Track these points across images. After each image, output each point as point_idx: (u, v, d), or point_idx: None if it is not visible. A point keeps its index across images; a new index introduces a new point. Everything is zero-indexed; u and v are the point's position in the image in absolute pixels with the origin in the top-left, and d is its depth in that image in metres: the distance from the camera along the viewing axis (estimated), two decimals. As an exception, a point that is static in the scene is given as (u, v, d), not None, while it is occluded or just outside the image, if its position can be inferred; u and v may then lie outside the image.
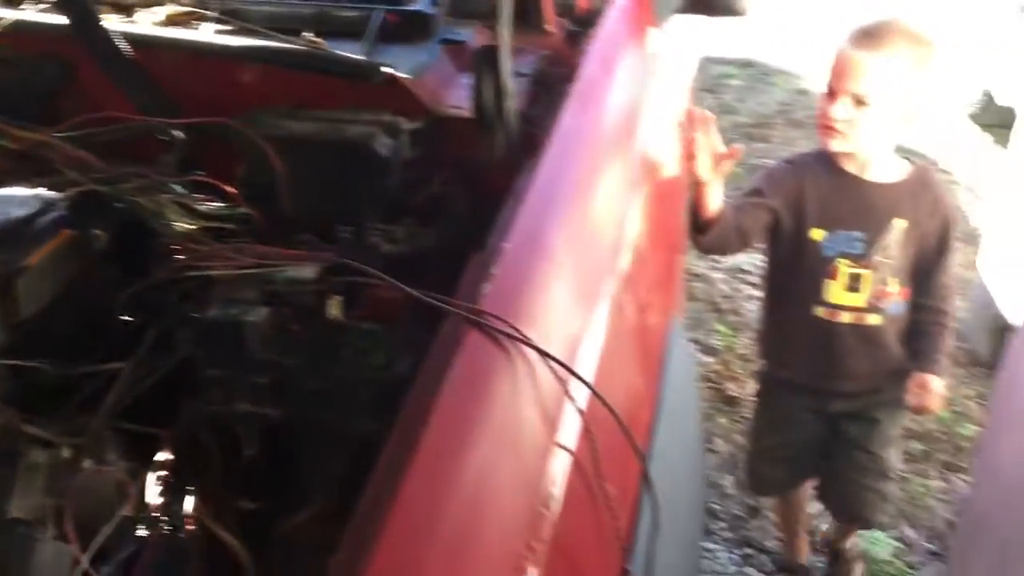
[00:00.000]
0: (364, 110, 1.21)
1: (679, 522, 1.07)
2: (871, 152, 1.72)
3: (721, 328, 3.20)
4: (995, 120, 4.01)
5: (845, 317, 1.81)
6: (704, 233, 1.65)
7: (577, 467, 0.81)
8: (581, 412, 0.82)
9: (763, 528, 2.47)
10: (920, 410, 1.82)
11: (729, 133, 4.44)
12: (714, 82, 4.95)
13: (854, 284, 1.78)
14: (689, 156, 1.54)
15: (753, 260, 3.58)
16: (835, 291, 1.80)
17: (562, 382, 0.82)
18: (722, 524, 2.50)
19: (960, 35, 4.51)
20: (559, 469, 0.80)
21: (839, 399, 1.94)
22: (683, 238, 1.60)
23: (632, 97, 1.29)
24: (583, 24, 1.32)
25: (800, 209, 1.77)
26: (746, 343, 3.13)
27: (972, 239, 3.57)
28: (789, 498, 2.28)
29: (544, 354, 0.80)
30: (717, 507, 2.53)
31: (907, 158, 1.82)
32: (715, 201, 1.64)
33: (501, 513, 0.73)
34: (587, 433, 0.82)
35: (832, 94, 1.65)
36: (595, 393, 0.83)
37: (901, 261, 1.78)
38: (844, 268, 1.78)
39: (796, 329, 1.89)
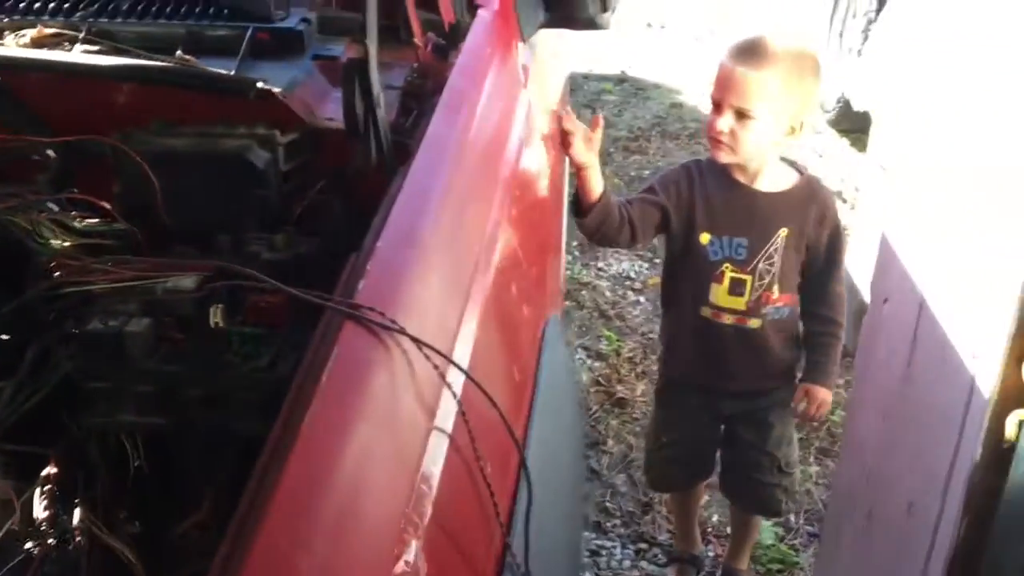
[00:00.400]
0: (239, 124, 1.24)
1: (559, 503, 1.13)
2: (759, 162, 1.80)
3: (608, 334, 3.30)
4: (853, 125, 4.25)
5: (728, 319, 1.89)
6: (586, 216, 1.72)
7: (455, 448, 0.86)
8: (457, 397, 0.86)
9: (655, 523, 2.56)
10: (806, 419, 1.93)
11: (608, 147, 4.59)
12: (592, 98, 5.10)
13: (737, 288, 1.86)
14: (564, 144, 1.62)
15: (637, 267, 3.71)
16: (719, 294, 1.87)
17: (438, 369, 0.86)
18: (616, 521, 2.58)
19: (815, 41, 4.79)
20: (438, 451, 0.84)
21: (728, 399, 2.02)
22: (558, 240, 1.68)
23: (498, 106, 1.36)
24: (450, 38, 1.38)
25: (690, 213, 1.84)
26: (632, 347, 3.24)
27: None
28: (686, 494, 2.38)
29: (419, 343, 0.85)
30: (610, 505, 2.61)
31: (796, 168, 1.91)
32: (595, 183, 1.71)
33: (382, 492, 0.77)
34: (463, 417, 0.86)
35: (717, 107, 1.71)
36: (469, 377, 0.88)
37: (784, 268, 1.85)
38: (728, 272, 1.85)
39: (686, 329, 1.97)
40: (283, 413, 0.78)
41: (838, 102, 4.14)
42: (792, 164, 1.91)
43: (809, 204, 1.85)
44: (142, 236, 1.18)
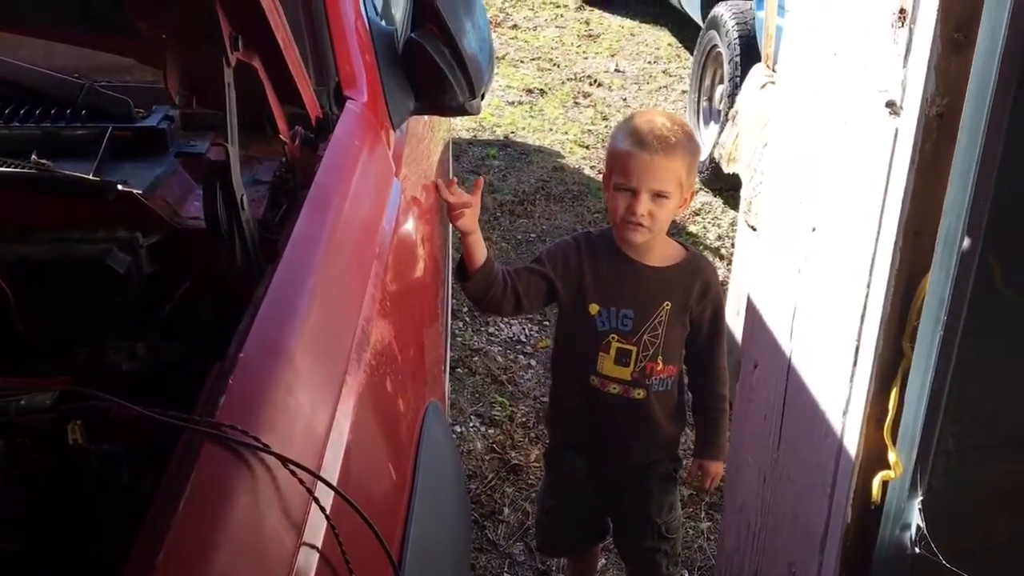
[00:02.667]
0: (99, 228, 1.21)
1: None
2: (658, 238, 1.88)
3: (501, 399, 3.31)
4: (725, 184, 4.42)
5: (613, 388, 1.94)
6: (469, 281, 1.78)
7: (327, 566, 0.84)
8: (326, 512, 0.85)
9: (554, 591, 2.56)
10: (702, 491, 1.99)
11: (494, 211, 4.64)
12: (477, 163, 5.16)
13: (622, 358, 1.91)
14: (450, 215, 1.71)
15: (527, 331, 3.74)
16: (606, 363, 1.92)
17: (306, 485, 0.85)
18: (515, 592, 2.56)
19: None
20: (307, 567, 0.83)
21: (612, 468, 2.06)
22: (436, 320, 1.68)
23: (368, 198, 1.36)
24: (318, 132, 1.38)
25: (580, 284, 1.90)
26: (525, 411, 3.25)
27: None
28: (580, 560, 2.39)
29: (283, 459, 0.84)
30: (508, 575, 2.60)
31: (682, 243, 1.99)
32: (479, 250, 1.78)
33: (247, 621, 0.75)
34: (334, 532, 0.85)
35: (633, 193, 1.79)
36: (337, 492, 0.87)
37: (668, 340, 1.91)
38: (614, 343, 1.91)
39: (574, 396, 2.01)
40: (140, 542, 0.76)
41: (710, 163, 4.31)
42: (681, 243, 2.00)
43: (693, 279, 1.92)
44: (-4, 350, 1.13)
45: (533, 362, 3.56)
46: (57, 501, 0.98)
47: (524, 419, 3.21)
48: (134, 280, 1.18)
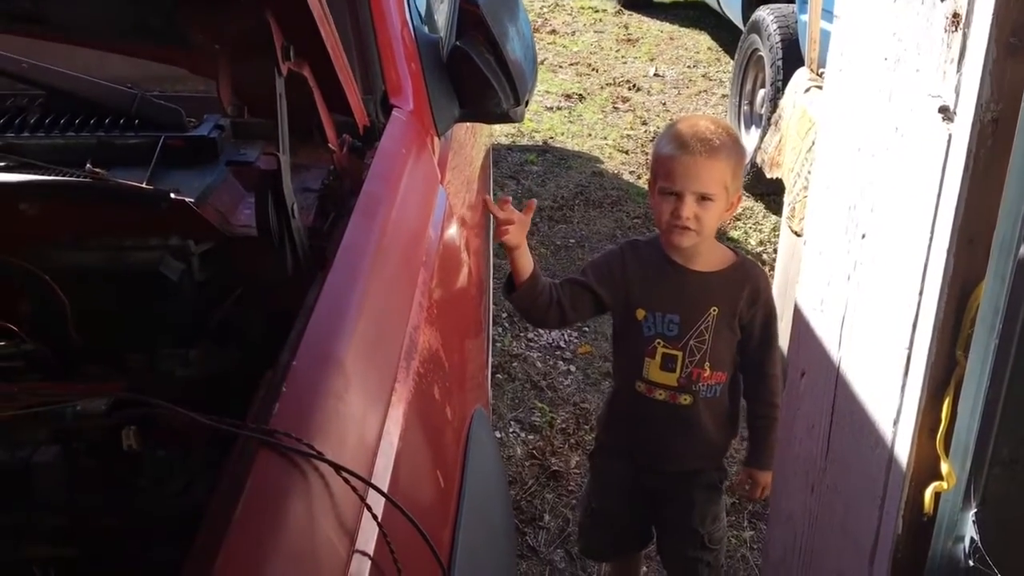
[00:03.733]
0: (152, 235, 1.23)
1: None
2: (704, 243, 1.87)
3: (541, 405, 3.31)
4: (767, 189, 4.38)
5: (659, 394, 1.93)
6: (516, 294, 1.83)
7: (377, 570, 0.85)
8: (378, 519, 0.85)
9: (596, 598, 2.55)
10: (749, 499, 1.97)
11: (533, 217, 4.64)
12: (516, 169, 5.17)
13: (668, 364, 1.91)
14: (500, 231, 1.74)
15: (567, 337, 3.74)
16: (652, 369, 1.92)
17: (358, 492, 0.86)
18: (556, 599, 2.56)
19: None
20: (360, 573, 0.83)
21: (655, 474, 2.05)
22: (481, 329, 1.69)
23: (415, 206, 1.37)
24: (365, 140, 1.39)
25: (626, 290, 1.92)
26: (565, 418, 3.24)
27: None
28: (621, 565, 2.38)
29: (337, 467, 0.84)
30: (549, 583, 2.59)
31: (732, 248, 1.99)
32: (525, 263, 1.82)
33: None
34: (386, 539, 0.85)
35: (678, 196, 1.79)
36: (390, 500, 0.87)
37: (716, 346, 1.89)
38: (660, 348, 1.90)
39: (622, 400, 2.03)
40: (196, 547, 0.77)
41: (751, 168, 4.27)
42: (731, 248, 1.99)
43: (742, 284, 1.90)
44: (52, 356, 1.16)
45: (573, 368, 3.55)
46: (112, 508, 0.99)
47: (564, 425, 3.21)
48: (186, 287, 1.20)
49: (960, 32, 1.20)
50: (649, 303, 1.90)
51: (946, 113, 1.23)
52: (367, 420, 0.97)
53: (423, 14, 1.95)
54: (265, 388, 0.93)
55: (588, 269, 1.96)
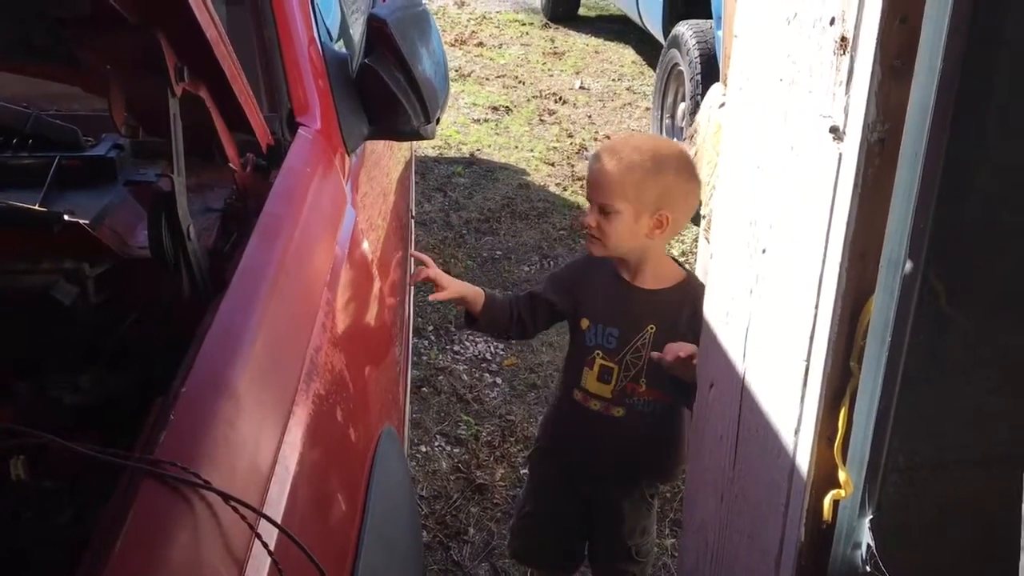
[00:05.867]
0: (44, 258, 1.20)
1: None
2: (636, 258, 1.90)
3: (467, 418, 3.31)
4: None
5: (594, 404, 1.97)
6: (475, 325, 1.99)
7: (269, 601, 0.84)
8: (270, 549, 0.84)
9: (519, 613, 2.56)
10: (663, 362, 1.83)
11: (459, 228, 4.65)
12: (443, 181, 5.17)
13: (604, 376, 1.95)
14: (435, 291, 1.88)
15: (493, 349, 3.75)
16: (589, 379, 1.96)
17: (248, 521, 0.84)
18: (480, 614, 2.55)
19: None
20: (249, 606, 0.82)
21: (588, 482, 2.08)
22: (392, 345, 1.68)
23: (319, 226, 1.36)
24: (270, 159, 1.38)
25: (576, 299, 1.98)
26: (491, 430, 3.25)
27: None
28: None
29: (225, 496, 0.83)
30: (473, 598, 2.59)
31: (684, 268, 2.00)
32: (472, 297, 1.96)
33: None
34: (278, 570, 0.84)
35: (590, 205, 1.85)
36: (280, 528, 0.86)
37: (651, 365, 1.89)
38: (598, 359, 1.95)
39: (561, 406, 2.07)
40: (77, 584, 0.75)
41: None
42: (681, 266, 2.01)
43: (682, 304, 1.92)
44: (-64, 385, 1.12)
45: (499, 380, 3.56)
46: (-2, 538, 0.96)
47: (490, 438, 3.21)
48: (80, 311, 1.17)
49: (848, 55, 1.24)
50: (593, 314, 1.95)
51: (836, 133, 1.27)
52: (260, 446, 0.95)
53: (337, 29, 1.94)
54: (154, 416, 0.91)
55: (547, 281, 2.04)
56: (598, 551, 2.19)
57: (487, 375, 3.61)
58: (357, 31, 2.24)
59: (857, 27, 1.21)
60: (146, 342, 1.17)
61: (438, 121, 1.81)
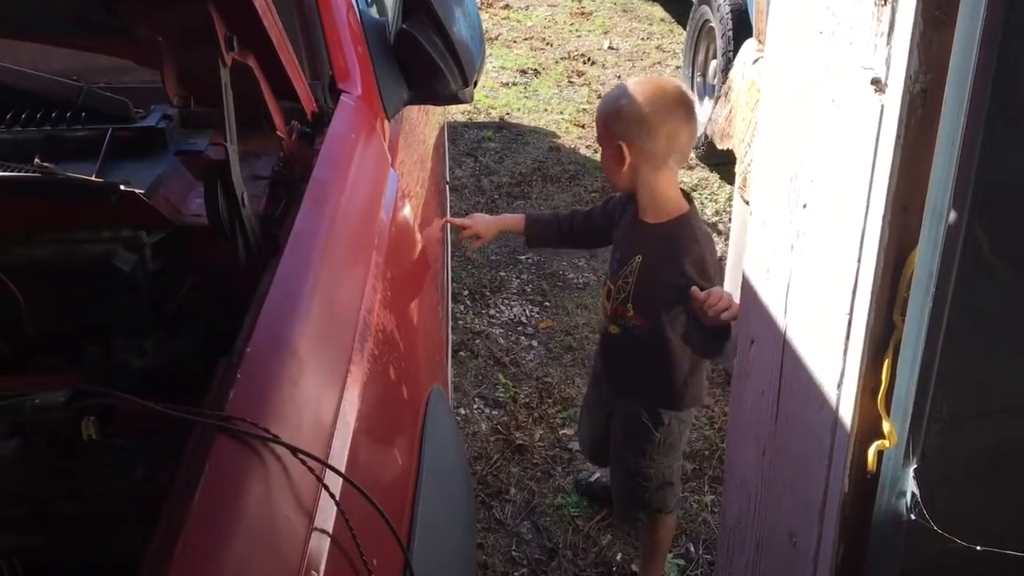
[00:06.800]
0: (103, 227, 1.24)
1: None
2: (641, 194, 2.04)
3: (504, 381, 3.34)
4: (720, 159, 4.43)
5: (605, 321, 2.22)
6: (530, 241, 2.33)
7: (338, 551, 0.88)
8: (336, 499, 0.88)
9: (562, 568, 2.60)
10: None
11: (491, 193, 4.66)
12: (473, 146, 5.17)
13: (608, 295, 2.18)
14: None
15: (528, 312, 3.78)
16: (603, 297, 2.22)
17: (315, 473, 0.88)
18: (523, 571, 2.60)
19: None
20: (319, 552, 0.86)
21: (606, 392, 2.34)
22: (436, 307, 1.72)
23: (365, 189, 1.39)
24: (314, 126, 1.40)
25: (612, 225, 2.20)
26: (528, 392, 3.29)
27: (718, 269, 3.94)
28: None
29: (293, 449, 0.87)
30: (516, 554, 2.64)
31: (682, 214, 2.07)
32: (515, 225, 2.33)
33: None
34: (344, 517, 0.88)
35: None
36: (346, 479, 0.90)
37: (637, 291, 2.07)
38: (607, 281, 2.19)
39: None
40: (158, 533, 0.79)
41: (704, 139, 4.32)
42: (690, 202, 2.11)
43: (666, 242, 2.04)
44: (7, 350, 1.16)
45: (535, 343, 3.59)
46: (74, 497, 1.01)
47: (527, 400, 3.25)
48: (140, 278, 1.21)
49: (889, 6, 1.23)
50: (614, 240, 2.19)
51: (878, 85, 1.27)
52: (322, 403, 0.99)
53: (370, -4, 1.96)
54: (221, 375, 0.95)
55: (602, 202, 2.29)
56: (609, 460, 2.44)
57: (523, 338, 3.64)
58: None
59: (899, -23, 1.21)
60: (204, 306, 1.21)
61: (476, 84, 1.83)
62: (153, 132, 1.37)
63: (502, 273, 4.02)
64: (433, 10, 1.63)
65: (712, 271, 2.04)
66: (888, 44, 1.24)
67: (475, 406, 3.25)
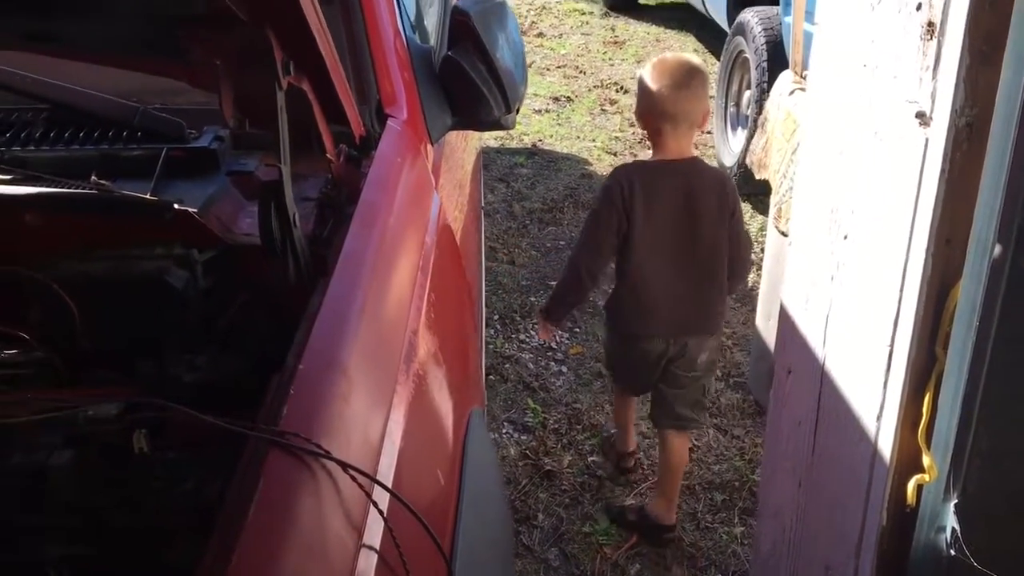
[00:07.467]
0: (157, 244, 1.27)
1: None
2: None
3: (533, 406, 3.34)
4: (754, 189, 4.43)
5: None
6: None
7: (385, 566, 0.89)
8: (384, 515, 0.89)
9: (590, 594, 2.59)
10: None
11: (523, 219, 4.68)
12: (505, 172, 5.21)
13: None
14: None
15: (558, 338, 3.78)
16: None
17: (364, 489, 0.89)
18: (551, 597, 2.60)
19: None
20: (367, 568, 0.87)
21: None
22: (475, 330, 1.73)
23: (411, 212, 1.41)
24: (361, 149, 1.43)
25: None
26: (557, 418, 3.28)
27: (749, 299, 3.93)
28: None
29: (344, 465, 0.88)
30: (544, 581, 2.63)
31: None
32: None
33: (315, 618, 0.80)
34: (391, 534, 0.89)
35: None
36: (395, 495, 0.91)
37: None
38: None
39: None
40: (212, 545, 0.80)
41: (739, 168, 4.32)
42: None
43: None
44: (61, 362, 1.19)
45: (564, 369, 3.59)
46: (126, 508, 1.03)
47: (556, 425, 3.25)
48: (191, 295, 1.23)
49: (935, 40, 1.24)
50: None
51: (923, 118, 1.28)
52: (371, 421, 1.01)
53: (413, 22, 1.99)
54: (273, 391, 0.96)
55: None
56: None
57: (552, 364, 3.65)
58: (431, 23, 2.29)
59: (945, 12, 1.22)
60: (254, 323, 1.23)
61: (517, 111, 1.85)
62: (206, 152, 1.40)
63: (532, 298, 4.03)
64: (479, 38, 1.66)
65: None
66: (934, 78, 1.25)
67: (504, 430, 3.25)
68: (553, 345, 3.74)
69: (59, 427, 1.06)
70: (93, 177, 1.32)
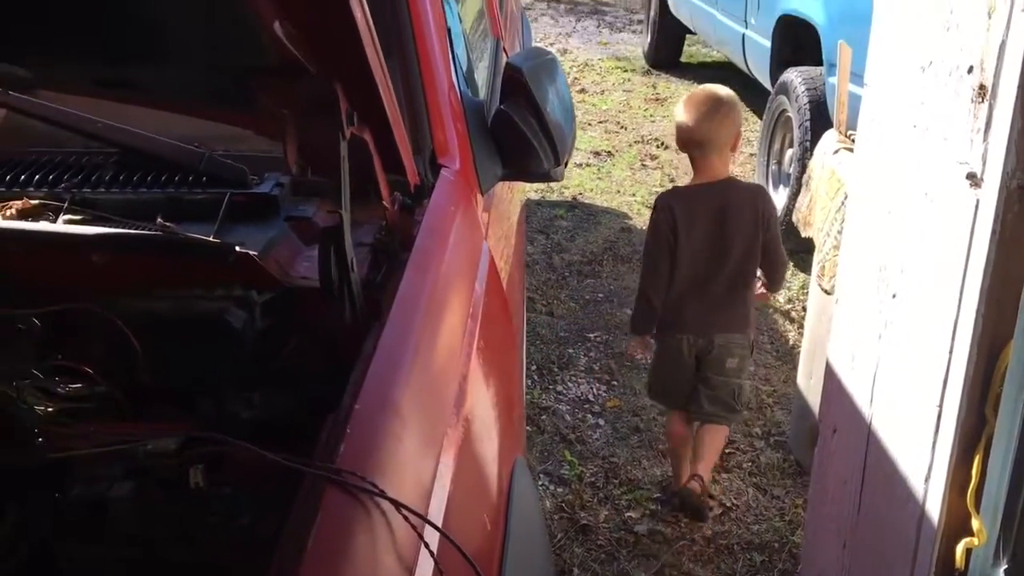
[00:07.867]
0: (218, 285, 1.30)
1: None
2: None
3: (570, 458, 3.33)
4: (797, 246, 4.41)
5: None
6: None
7: (434, 605, 0.90)
8: (434, 555, 0.91)
9: (626, 652, 2.56)
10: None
11: (562, 271, 4.71)
12: (546, 224, 5.25)
13: None
14: None
15: (595, 390, 3.78)
16: None
17: (416, 529, 0.91)
18: (587, 653, 2.57)
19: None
20: (418, 609, 0.88)
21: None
22: (518, 379, 1.75)
23: (462, 261, 1.44)
24: (415, 198, 1.47)
25: None
26: (594, 471, 3.27)
27: (790, 357, 3.90)
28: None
29: (398, 505, 0.90)
30: (580, 637, 2.60)
31: None
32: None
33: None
34: (440, 574, 0.91)
35: None
36: (446, 536, 0.92)
37: None
38: None
39: None
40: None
41: (782, 226, 4.32)
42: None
43: None
44: (123, 397, 1.22)
45: (602, 422, 3.58)
46: (182, 542, 1.05)
47: (593, 479, 3.23)
48: (249, 335, 1.26)
49: (986, 103, 1.26)
50: None
51: (974, 180, 1.29)
52: (422, 462, 1.02)
53: (466, 76, 2.05)
54: (328, 430, 0.98)
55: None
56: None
57: (590, 416, 3.64)
58: (481, 77, 2.35)
59: (997, 76, 1.23)
60: (309, 364, 1.25)
61: (566, 164, 1.88)
62: (267, 198, 1.45)
63: (570, 350, 4.04)
64: (531, 93, 1.71)
65: None
66: (985, 140, 1.27)
67: (540, 482, 3.24)
68: (591, 397, 3.74)
69: (120, 460, 1.09)
70: (159, 220, 1.37)
